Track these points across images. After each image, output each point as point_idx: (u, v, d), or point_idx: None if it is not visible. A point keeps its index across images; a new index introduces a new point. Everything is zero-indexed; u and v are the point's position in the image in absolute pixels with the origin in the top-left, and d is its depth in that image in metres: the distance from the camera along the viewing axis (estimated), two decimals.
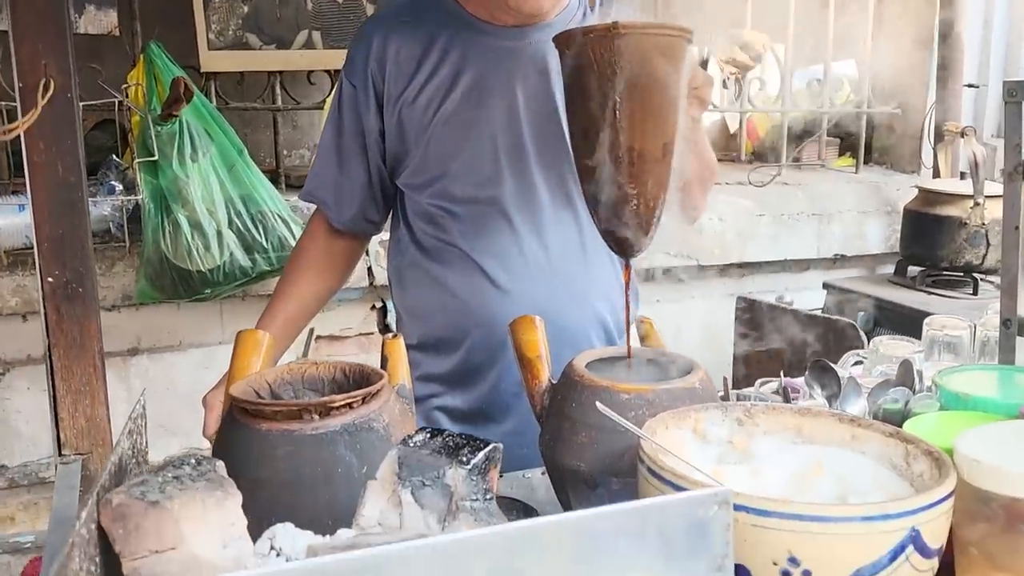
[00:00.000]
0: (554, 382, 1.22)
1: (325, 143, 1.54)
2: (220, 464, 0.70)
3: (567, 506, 1.18)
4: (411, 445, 0.76)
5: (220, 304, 2.41)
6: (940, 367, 1.37)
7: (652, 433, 0.93)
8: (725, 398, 1.27)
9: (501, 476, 1.07)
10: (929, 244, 2.52)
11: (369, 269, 2.47)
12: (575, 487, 1.14)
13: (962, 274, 2.53)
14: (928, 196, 2.57)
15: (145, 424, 0.84)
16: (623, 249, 1.15)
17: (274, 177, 2.54)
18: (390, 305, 2.58)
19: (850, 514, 0.74)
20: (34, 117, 0.86)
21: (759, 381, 1.45)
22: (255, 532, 0.93)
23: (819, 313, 2.58)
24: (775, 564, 0.75)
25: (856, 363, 1.55)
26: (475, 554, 0.55)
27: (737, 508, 0.76)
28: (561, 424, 1.15)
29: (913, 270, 2.65)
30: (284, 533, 0.66)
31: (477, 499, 0.72)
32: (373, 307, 2.60)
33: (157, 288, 2.21)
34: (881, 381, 1.18)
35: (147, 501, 0.63)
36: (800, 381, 1.65)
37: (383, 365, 1.13)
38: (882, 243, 3.17)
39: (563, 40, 1.11)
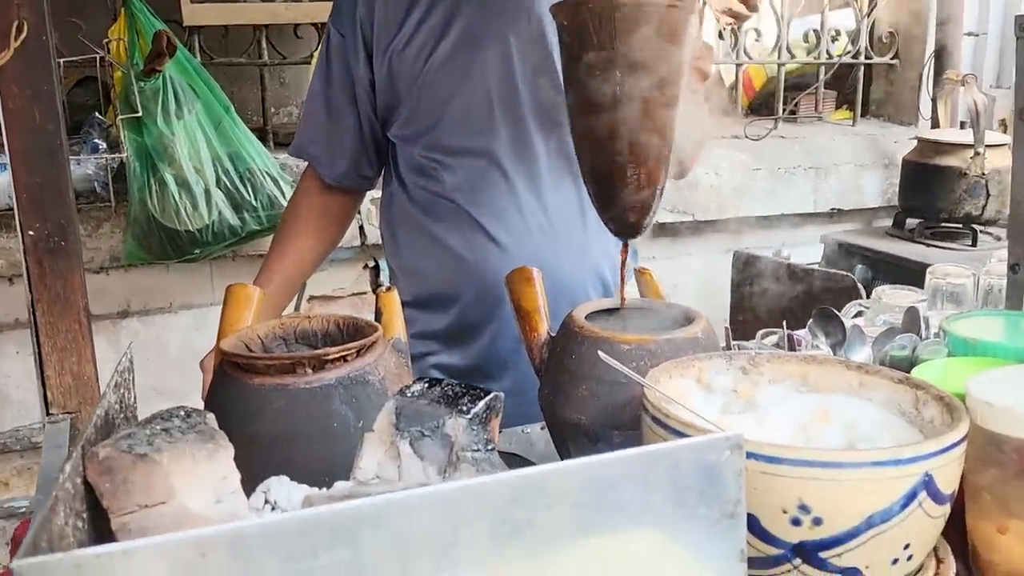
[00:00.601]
0: (552, 335, 1.20)
1: (314, 95, 1.50)
2: (211, 416, 0.67)
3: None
4: (409, 395, 0.73)
5: (210, 265, 2.38)
6: (943, 316, 1.35)
7: (655, 383, 0.91)
8: (727, 348, 1.24)
9: (500, 432, 1.05)
10: (928, 195, 2.49)
11: (361, 228, 2.43)
12: (576, 441, 1.12)
13: (961, 225, 2.50)
14: (927, 146, 2.54)
15: (132, 378, 0.81)
16: (621, 231, 1.11)
17: (262, 135, 2.48)
18: (383, 264, 2.55)
19: (862, 460, 0.72)
20: (7, 57, 0.82)
21: (761, 332, 1.43)
22: (249, 489, 0.91)
23: (817, 267, 2.56)
24: (785, 512, 0.73)
25: (857, 314, 1.53)
26: (478, 502, 0.52)
27: (746, 455, 0.74)
28: (560, 377, 1.12)
29: (911, 222, 2.62)
30: (279, 486, 0.64)
31: (478, 449, 0.69)
32: (366, 266, 2.56)
33: (145, 249, 2.17)
34: (886, 329, 1.16)
35: (135, 454, 0.60)
36: (802, 333, 1.63)
37: (377, 319, 1.11)
38: (879, 196, 3.14)
39: (560, 11, 1.06)
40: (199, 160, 2.15)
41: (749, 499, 0.73)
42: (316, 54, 2.44)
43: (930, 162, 2.50)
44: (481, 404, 0.71)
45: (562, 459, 1.19)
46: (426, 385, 0.75)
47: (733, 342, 1.31)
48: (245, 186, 2.20)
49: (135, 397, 0.82)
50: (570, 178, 1.44)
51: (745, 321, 2.42)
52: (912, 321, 1.13)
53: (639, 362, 1.07)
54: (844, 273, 2.29)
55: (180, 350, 2.41)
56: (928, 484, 0.74)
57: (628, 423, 1.07)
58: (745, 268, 2.49)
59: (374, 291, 2.59)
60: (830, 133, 3.23)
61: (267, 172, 2.24)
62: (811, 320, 1.18)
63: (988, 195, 2.39)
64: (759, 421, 0.95)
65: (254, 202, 2.20)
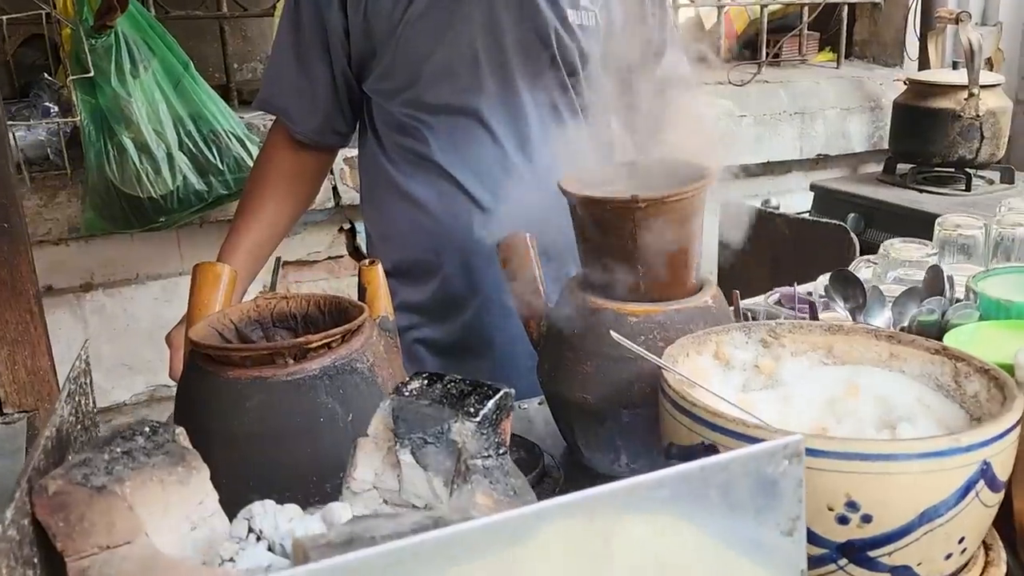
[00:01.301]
0: (550, 306, 1.11)
1: (281, 44, 1.37)
2: (179, 431, 0.58)
3: (571, 441, 1.08)
4: (406, 394, 0.65)
5: (177, 232, 2.25)
6: (953, 270, 1.28)
7: (673, 362, 0.83)
8: (737, 315, 1.17)
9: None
10: (920, 139, 2.41)
11: (334, 188, 2.32)
12: (581, 421, 1.04)
13: (954, 170, 2.43)
14: (919, 88, 2.45)
15: (90, 381, 0.72)
16: None
17: (225, 93, 2.34)
18: (359, 226, 2.44)
19: (917, 450, 0.65)
20: None
21: (768, 293, 1.36)
22: (232, 494, 0.82)
23: (808, 216, 2.49)
24: (831, 510, 0.66)
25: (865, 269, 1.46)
26: (506, 539, 0.44)
27: None
28: (562, 353, 1.04)
29: (903, 167, 2.54)
30: (264, 513, 0.55)
31: (489, 455, 0.61)
32: (341, 229, 2.45)
33: (106, 218, 2.04)
34: (907, 289, 1.08)
35: (91, 487, 0.51)
36: (802, 289, 1.56)
37: (361, 296, 1.01)
38: (865, 141, 3.06)
39: (580, 204, 1.01)
40: (159, 122, 2.01)
41: None
42: (280, 5, 2.30)
43: (922, 104, 2.41)
44: (490, 404, 0.62)
45: (565, 439, 1.13)
46: (425, 382, 0.66)
47: (741, 303, 1.24)
48: (210, 148, 2.07)
49: (94, 401, 0.72)
50: (558, 128, 1.34)
51: (736, 275, 2.34)
52: (934, 280, 1.06)
53: (648, 335, 0.99)
54: (837, 223, 2.22)
55: (149, 322, 2.30)
56: (985, 472, 0.67)
57: (637, 401, 0.99)
58: (733, 219, 2.40)
59: (351, 255, 2.48)
60: (814, 76, 3.13)
61: (232, 133, 2.11)
62: (827, 283, 1.10)
63: (982, 138, 2.31)
64: (784, 399, 0.88)
65: (220, 165, 2.07)
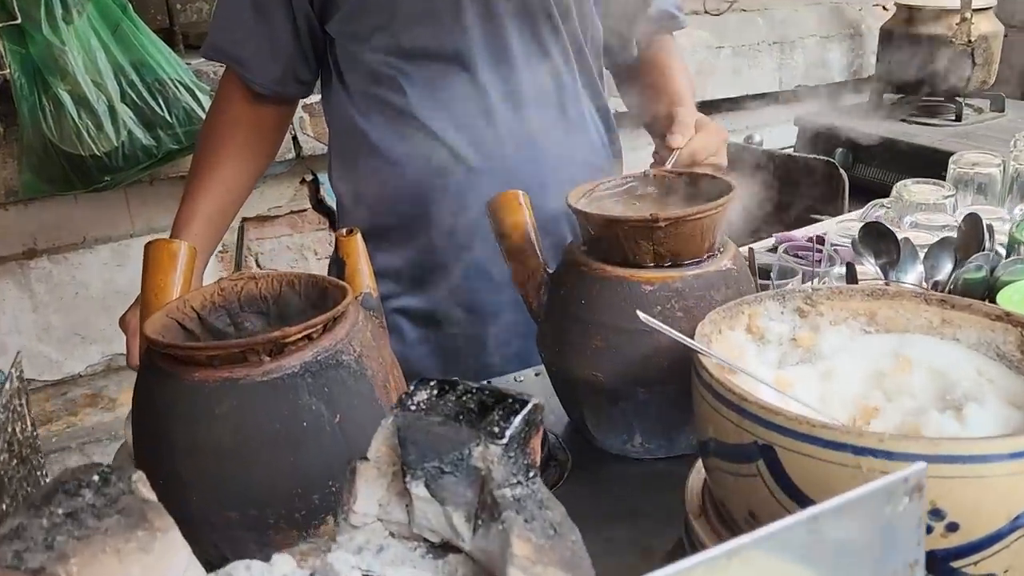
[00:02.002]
0: (550, 272, 1.00)
1: None
2: (137, 477, 0.46)
3: (578, 419, 0.99)
4: (413, 409, 0.54)
5: (125, 192, 2.09)
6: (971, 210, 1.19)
7: (708, 343, 0.72)
8: (753, 272, 1.07)
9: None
10: (909, 68, 2.31)
11: (294, 138, 2.16)
12: (591, 400, 0.94)
13: (943, 99, 2.34)
14: (908, 13, 2.34)
15: (27, 401, 0.60)
16: None
17: (169, 37, 2.16)
18: (322, 177, 2.30)
19: (1012, 449, 0.56)
20: None
21: (776, 241, 1.26)
22: (202, 514, 0.72)
23: (792, 152, 2.39)
24: None
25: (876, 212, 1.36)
26: None
27: (858, 451, 0.58)
28: (568, 325, 0.94)
29: (890, 97, 2.45)
30: None
31: (518, 482, 0.51)
32: (303, 181, 2.30)
33: (45, 179, 1.88)
34: (939, 240, 0.99)
35: (26, 569, 0.40)
36: (798, 235, 1.47)
37: (339, 271, 0.89)
38: (845, 70, 2.96)
39: (593, 222, 0.92)
40: (97, 72, 1.84)
41: None
42: None
43: (911, 30, 2.30)
44: (517, 421, 0.52)
45: (571, 418, 1.03)
46: (435, 392, 0.55)
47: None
48: (156, 99, 1.91)
49: (32, 423, 0.60)
50: (548, 72, 1.21)
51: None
52: (972, 230, 0.96)
53: (664, 305, 0.89)
54: (825, 159, 2.13)
55: (101, 288, 2.14)
56: None
57: (654, 377, 0.90)
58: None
59: (314, 208, 2.34)
60: (792, 3, 3.01)
61: (180, 81, 1.94)
62: (857, 237, 1.01)
63: (974, 65, 2.22)
64: (824, 375, 0.78)
65: (168, 118, 1.91)
